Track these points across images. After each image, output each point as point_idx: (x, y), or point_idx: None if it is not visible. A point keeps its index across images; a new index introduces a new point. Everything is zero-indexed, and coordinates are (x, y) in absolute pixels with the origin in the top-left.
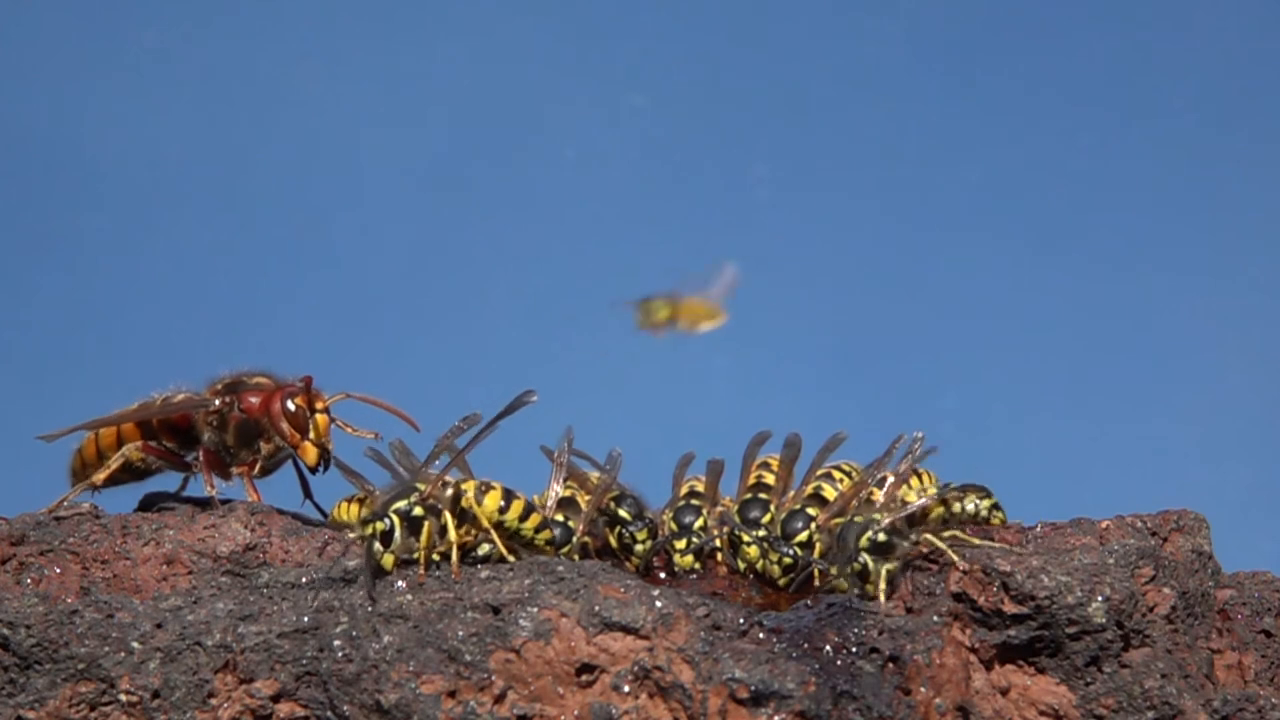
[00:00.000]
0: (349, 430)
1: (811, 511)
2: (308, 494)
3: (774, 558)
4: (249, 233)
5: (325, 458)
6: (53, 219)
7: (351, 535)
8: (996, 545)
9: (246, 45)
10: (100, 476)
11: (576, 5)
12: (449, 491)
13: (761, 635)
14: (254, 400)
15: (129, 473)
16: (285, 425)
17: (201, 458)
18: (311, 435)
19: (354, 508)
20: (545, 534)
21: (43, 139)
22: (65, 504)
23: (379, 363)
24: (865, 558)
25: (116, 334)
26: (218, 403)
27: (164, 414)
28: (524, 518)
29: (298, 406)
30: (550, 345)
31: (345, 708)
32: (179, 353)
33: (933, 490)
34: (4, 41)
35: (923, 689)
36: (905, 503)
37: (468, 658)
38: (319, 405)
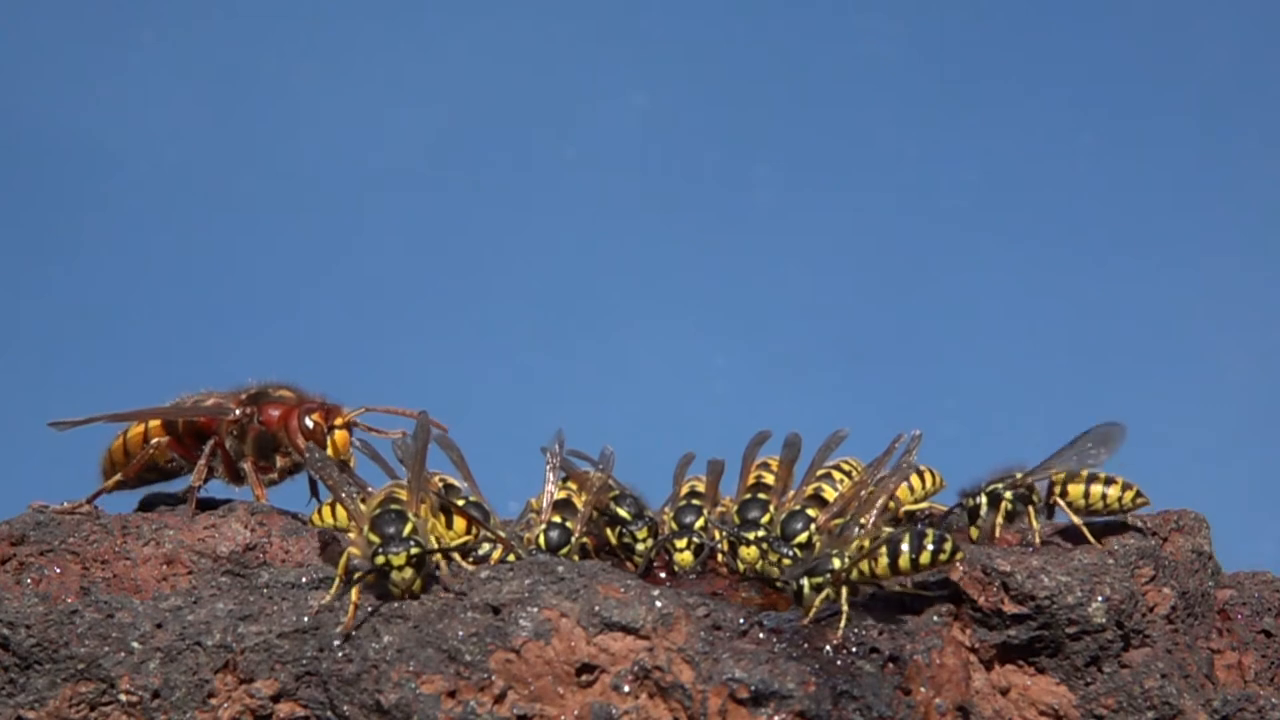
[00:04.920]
0: (378, 435)
1: (811, 513)
2: (315, 493)
3: (773, 558)
4: (249, 233)
5: None
6: (55, 217)
7: (362, 560)
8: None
9: (247, 44)
10: (130, 472)
11: (577, 5)
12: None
13: (761, 635)
14: (274, 413)
15: (156, 471)
16: (302, 441)
17: (209, 446)
18: (329, 452)
19: (339, 510)
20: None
21: (46, 137)
22: (96, 499)
23: (380, 360)
24: (804, 583)
25: (118, 333)
26: (239, 412)
27: (188, 416)
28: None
29: (315, 423)
30: (550, 345)
31: (345, 708)
32: (182, 352)
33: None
34: (5, 41)
35: (923, 689)
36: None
37: (468, 658)
38: (338, 421)
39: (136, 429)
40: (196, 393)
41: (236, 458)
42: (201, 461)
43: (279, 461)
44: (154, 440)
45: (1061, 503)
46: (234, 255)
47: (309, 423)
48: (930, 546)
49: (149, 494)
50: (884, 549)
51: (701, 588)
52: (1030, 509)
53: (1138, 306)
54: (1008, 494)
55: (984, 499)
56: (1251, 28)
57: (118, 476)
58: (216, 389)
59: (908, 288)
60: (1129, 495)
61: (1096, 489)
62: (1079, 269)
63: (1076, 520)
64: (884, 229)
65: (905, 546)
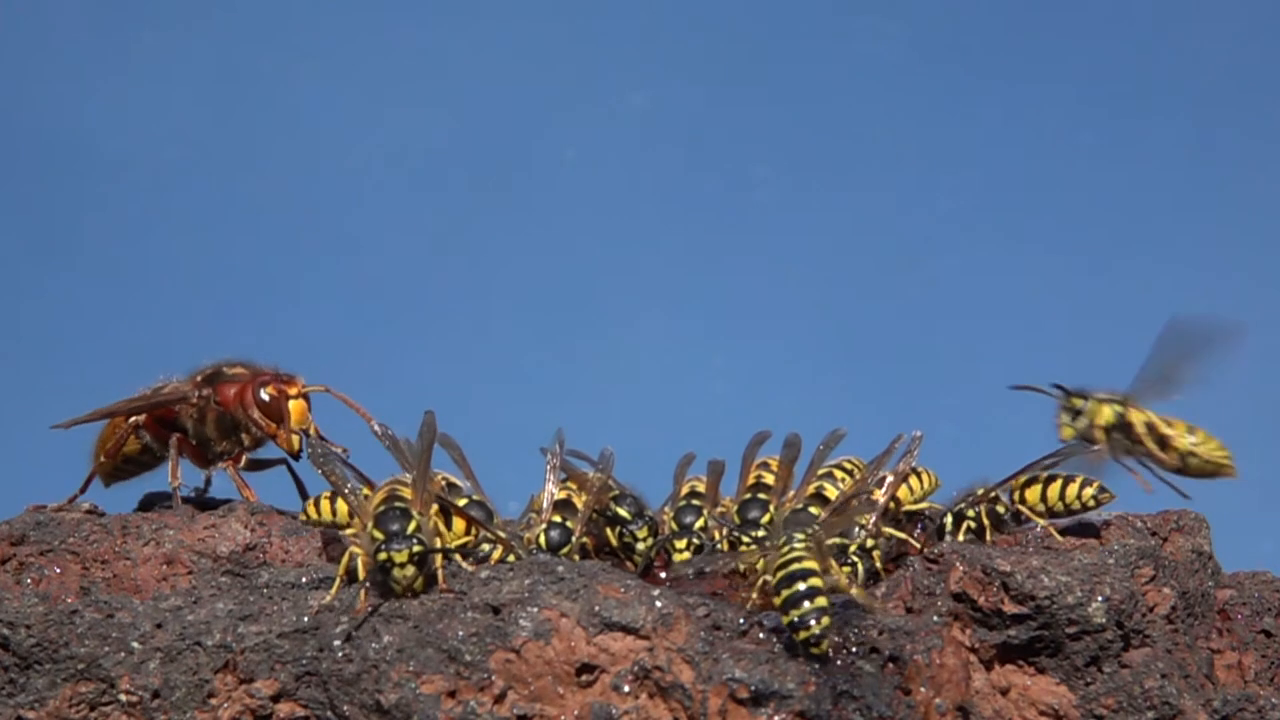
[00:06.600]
0: (354, 409)
1: (813, 511)
2: (304, 495)
3: None
4: (249, 233)
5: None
6: (54, 217)
7: (360, 553)
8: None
9: (247, 44)
10: (105, 463)
11: (577, 5)
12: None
13: (761, 635)
14: (230, 392)
15: (135, 464)
16: (259, 415)
17: (173, 444)
18: (290, 423)
19: (326, 504)
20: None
21: (46, 137)
22: (84, 491)
23: (380, 360)
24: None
25: (118, 333)
26: (196, 395)
27: (149, 408)
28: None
29: (271, 396)
30: (550, 345)
31: (345, 708)
32: (181, 352)
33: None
34: (5, 42)
35: (923, 689)
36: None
37: (468, 658)
38: (293, 392)
39: (109, 424)
40: (153, 382)
41: (200, 441)
42: (170, 463)
43: (245, 440)
44: (118, 432)
45: (1024, 509)
46: (233, 255)
47: (265, 395)
48: (796, 619)
49: (149, 494)
50: (781, 573)
51: (701, 588)
52: (993, 521)
53: (1138, 306)
54: (970, 511)
55: (950, 520)
56: (1251, 28)
57: (96, 469)
58: (172, 375)
59: (907, 287)
60: (1088, 492)
61: (1054, 488)
62: (1079, 269)
63: (1042, 524)
64: (884, 229)
65: (783, 597)
